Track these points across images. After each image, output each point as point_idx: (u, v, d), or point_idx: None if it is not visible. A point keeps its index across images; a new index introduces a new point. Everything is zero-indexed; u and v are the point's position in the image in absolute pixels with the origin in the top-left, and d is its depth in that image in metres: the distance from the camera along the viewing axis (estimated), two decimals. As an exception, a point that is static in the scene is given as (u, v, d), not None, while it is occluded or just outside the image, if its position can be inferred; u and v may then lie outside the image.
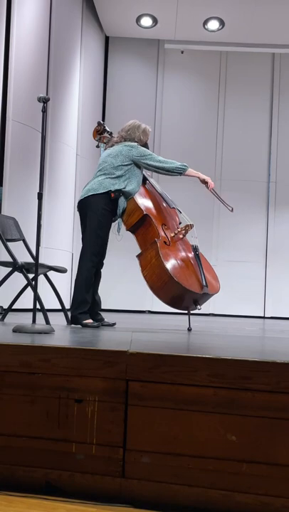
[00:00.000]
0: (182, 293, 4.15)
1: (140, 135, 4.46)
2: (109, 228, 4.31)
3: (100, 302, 4.43)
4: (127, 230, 4.41)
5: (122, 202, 4.27)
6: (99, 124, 4.77)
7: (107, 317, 4.49)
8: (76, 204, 4.50)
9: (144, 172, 4.53)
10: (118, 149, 4.36)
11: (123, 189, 4.24)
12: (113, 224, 4.38)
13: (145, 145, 4.53)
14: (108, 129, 4.70)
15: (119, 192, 4.23)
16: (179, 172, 4.38)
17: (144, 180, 4.57)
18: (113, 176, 4.25)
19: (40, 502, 2.12)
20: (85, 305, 4.17)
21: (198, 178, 4.50)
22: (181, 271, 4.16)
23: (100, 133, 4.73)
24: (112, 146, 4.46)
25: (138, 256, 4.29)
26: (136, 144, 4.40)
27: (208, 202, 9.05)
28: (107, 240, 4.31)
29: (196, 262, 4.31)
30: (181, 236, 4.37)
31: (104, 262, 4.35)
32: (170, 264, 4.12)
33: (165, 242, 4.22)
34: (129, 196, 4.29)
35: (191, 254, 4.35)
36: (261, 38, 8.94)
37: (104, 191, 4.20)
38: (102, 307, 4.46)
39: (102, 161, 4.37)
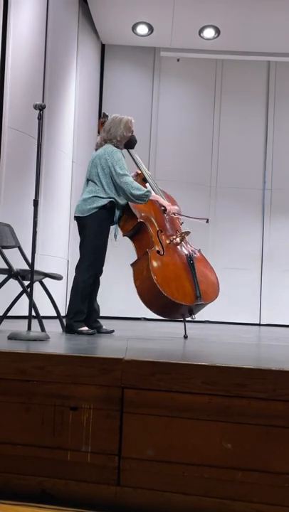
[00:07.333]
0: (172, 306, 4.09)
1: (123, 131, 4.25)
2: (107, 236, 4.26)
3: (99, 309, 4.41)
4: (124, 235, 4.38)
5: (117, 209, 4.25)
6: (104, 115, 4.59)
7: (106, 324, 4.48)
8: (72, 211, 4.48)
9: (144, 173, 4.46)
10: (98, 156, 4.22)
11: (115, 201, 4.19)
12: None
13: (132, 139, 4.33)
14: None
15: (113, 201, 4.19)
16: (144, 200, 4.16)
17: (145, 181, 4.46)
18: (102, 189, 4.16)
19: (34, 510, 2.11)
20: (81, 315, 4.15)
21: (160, 203, 4.31)
22: (171, 283, 4.08)
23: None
24: (97, 149, 4.33)
25: (132, 265, 4.24)
26: (116, 149, 4.20)
27: (203, 209, 9.07)
28: (106, 247, 4.27)
29: (190, 272, 4.22)
30: (177, 242, 4.27)
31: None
32: (160, 276, 4.03)
33: (158, 252, 4.14)
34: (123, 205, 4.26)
35: (185, 264, 4.24)
36: (257, 47, 8.97)
37: (98, 206, 4.15)
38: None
39: (88, 169, 4.30)
